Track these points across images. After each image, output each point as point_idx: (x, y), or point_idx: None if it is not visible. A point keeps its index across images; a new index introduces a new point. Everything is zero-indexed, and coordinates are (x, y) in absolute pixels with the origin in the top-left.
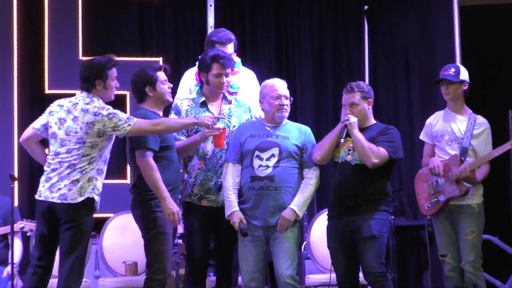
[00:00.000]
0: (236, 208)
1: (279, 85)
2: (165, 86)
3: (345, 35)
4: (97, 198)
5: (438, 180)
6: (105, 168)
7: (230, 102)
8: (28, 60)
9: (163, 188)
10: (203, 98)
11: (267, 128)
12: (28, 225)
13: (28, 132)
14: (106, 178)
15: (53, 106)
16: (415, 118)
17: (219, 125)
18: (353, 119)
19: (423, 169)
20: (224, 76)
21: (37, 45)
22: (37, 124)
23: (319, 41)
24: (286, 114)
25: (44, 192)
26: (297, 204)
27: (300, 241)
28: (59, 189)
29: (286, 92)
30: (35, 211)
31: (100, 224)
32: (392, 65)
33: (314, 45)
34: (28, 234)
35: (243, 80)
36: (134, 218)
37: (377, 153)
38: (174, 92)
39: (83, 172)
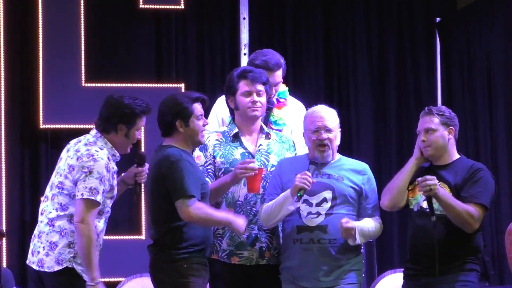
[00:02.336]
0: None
1: (320, 114)
2: (200, 123)
3: (412, 53)
4: (79, 268)
5: None
6: (101, 230)
7: (268, 136)
8: (18, 87)
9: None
10: (236, 130)
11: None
12: None
13: None
14: (115, 233)
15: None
16: (500, 153)
17: (255, 164)
18: (437, 183)
19: None
20: (255, 94)
21: (29, 69)
22: None
23: (379, 61)
24: (329, 152)
25: (29, 255)
26: (356, 222)
27: None
28: (38, 252)
29: (330, 123)
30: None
31: None
32: (470, 87)
33: (373, 65)
34: None
35: (290, 114)
36: (154, 283)
37: (477, 217)
38: None
39: (62, 234)
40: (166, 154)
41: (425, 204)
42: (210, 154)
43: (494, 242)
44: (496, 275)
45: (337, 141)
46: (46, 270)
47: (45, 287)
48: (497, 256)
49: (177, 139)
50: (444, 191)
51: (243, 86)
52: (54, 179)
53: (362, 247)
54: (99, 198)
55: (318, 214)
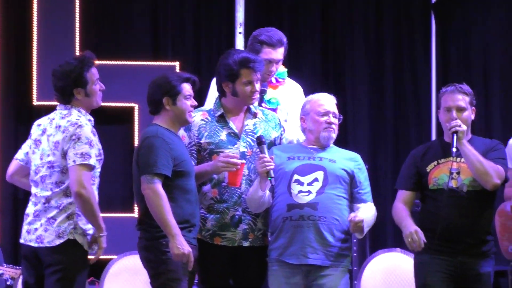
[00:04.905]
0: None
1: (327, 100)
2: (188, 103)
3: (408, 34)
4: (81, 239)
5: None
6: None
7: (255, 116)
8: (12, 65)
9: (172, 223)
10: (221, 111)
11: (308, 150)
12: (8, 272)
13: (12, 166)
14: (108, 211)
15: (33, 127)
16: (495, 137)
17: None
18: (464, 127)
19: (506, 202)
20: (255, 83)
21: (23, 47)
22: (20, 154)
23: (376, 42)
24: (334, 135)
25: (23, 234)
26: (361, 213)
27: None
28: (36, 229)
29: (335, 109)
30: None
31: (100, 268)
32: (467, 73)
33: (370, 46)
34: (8, 283)
35: (286, 95)
36: (141, 260)
37: (497, 172)
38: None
39: (60, 208)
40: (144, 132)
41: (454, 184)
42: (194, 135)
43: None
44: None
45: (337, 130)
46: (47, 245)
47: (42, 265)
48: None
49: (165, 118)
50: (468, 143)
51: (245, 74)
52: (39, 162)
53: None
54: (92, 161)
55: (309, 192)
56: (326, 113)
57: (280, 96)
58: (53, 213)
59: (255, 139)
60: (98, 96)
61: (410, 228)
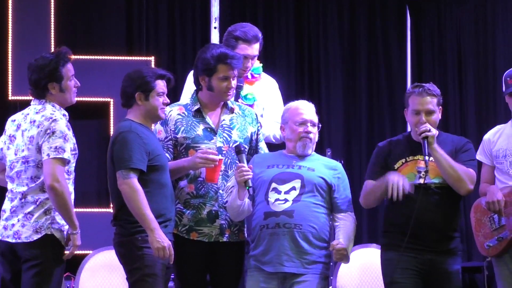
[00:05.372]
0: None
1: (305, 108)
2: (160, 99)
3: (382, 29)
4: (58, 234)
5: None
6: (70, 191)
7: (232, 111)
8: None
9: (150, 217)
10: (198, 106)
11: (288, 158)
12: None
13: None
14: (83, 206)
15: (8, 123)
16: (469, 132)
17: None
18: (434, 131)
19: (482, 198)
20: (231, 80)
21: None
22: None
23: (350, 37)
24: (311, 145)
25: (0, 230)
26: (343, 238)
27: None
28: (13, 225)
29: (314, 118)
30: None
31: (76, 263)
32: (441, 67)
33: (344, 41)
34: None
35: (262, 90)
36: (117, 256)
37: (470, 177)
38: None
39: (37, 203)
40: (117, 127)
41: (422, 180)
42: (171, 129)
43: (462, 219)
44: (464, 251)
45: (316, 137)
46: (24, 240)
47: (19, 260)
48: (465, 233)
49: (137, 113)
50: (439, 147)
51: (222, 70)
52: (13, 158)
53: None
54: (66, 155)
55: (286, 200)
56: (304, 122)
57: (256, 92)
58: (30, 208)
59: (230, 135)
60: (72, 92)
61: (392, 179)
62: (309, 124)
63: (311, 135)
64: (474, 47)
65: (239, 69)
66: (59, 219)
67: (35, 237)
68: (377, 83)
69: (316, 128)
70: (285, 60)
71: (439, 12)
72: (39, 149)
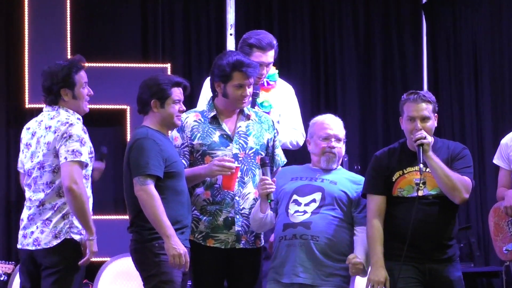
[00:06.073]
0: None
1: (331, 123)
2: (176, 107)
3: (398, 34)
4: (78, 237)
5: None
6: (88, 195)
7: (248, 117)
8: (3, 68)
9: (166, 223)
10: (214, 112)
11: (313, 171)
12: (2, 268)
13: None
14: (100, 213)
15: (23, 131)
16: (486, 136)
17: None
18: (430, 138)
19: (500, 202)
20: (246, 88)
21: (15, 50)
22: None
23: (366, 42)
24: (336, 160)
25: (20, 239)
26: (360, 252)
27: None
28: (32, 232)
29: (339, 133)
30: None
31: (94, 270)
32: (457, 70)
33: (360, 47)
34: (1, 279)
35: (278, 96)
36: (134, 263)
37: (465, 185)
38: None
39: (55, 209)
40: (134, 133)
41: (421, 193)
42: (187, 136)
43: (480, 223)
44: (482, 256)
45: (342, 152)
46: (44, 246)
47: (38, 268)
48: (483, 238)
49: (153, 119)
50: (435, 155)
51: (237, 78)
52: (30, 165)
53: None
54: (83, 158)
55: (305, 212)
56: (328, 137)
57: (272, 98)
58: (48, 214)
59: (246, 142)
60: (85, 100)
61: (378, 272)
62: (333, 139)
63: (334, 150)
64: (490, 50)
65: (255, 77)
66: (77, 223)
67: (55, 242)
68: (392, 89)
69: (341, 143)
70: (300, 66)
71: (455, 16)
72: (56, 154)
